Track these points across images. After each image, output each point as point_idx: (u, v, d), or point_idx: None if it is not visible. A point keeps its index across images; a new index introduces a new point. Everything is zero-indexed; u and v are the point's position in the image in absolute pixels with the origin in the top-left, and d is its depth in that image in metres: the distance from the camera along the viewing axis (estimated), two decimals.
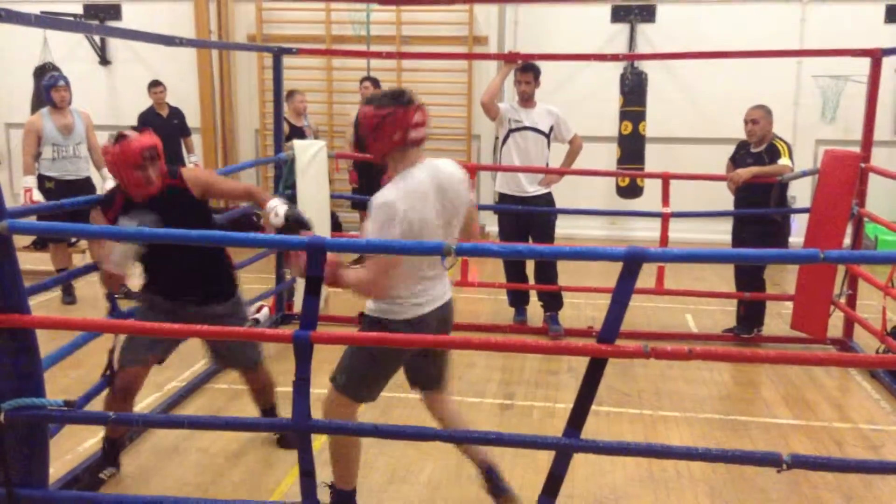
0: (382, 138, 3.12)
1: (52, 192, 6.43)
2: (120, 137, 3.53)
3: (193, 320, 3.63)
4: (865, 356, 4.92)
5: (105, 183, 6.90)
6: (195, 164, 8.74)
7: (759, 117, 5.78)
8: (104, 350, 3.77)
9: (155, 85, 8.75)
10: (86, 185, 6.73)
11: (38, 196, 6.33)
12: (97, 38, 10.58)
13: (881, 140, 7.98)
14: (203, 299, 3.86)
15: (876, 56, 5.60)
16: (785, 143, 5.82)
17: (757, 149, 5.84)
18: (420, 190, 3.07)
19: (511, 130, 6.22)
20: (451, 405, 3.58)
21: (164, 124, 8.68)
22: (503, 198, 6.39)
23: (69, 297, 6.86)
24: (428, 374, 3.50)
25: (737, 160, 5.97)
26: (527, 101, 6.16)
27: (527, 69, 6.13)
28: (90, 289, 6.81)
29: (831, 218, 5.45)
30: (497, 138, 9.94)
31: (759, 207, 5.78)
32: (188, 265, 3.70)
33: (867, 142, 5.71)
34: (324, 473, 3.80)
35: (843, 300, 5.74)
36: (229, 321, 3.86)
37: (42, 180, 6.55)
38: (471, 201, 3.38)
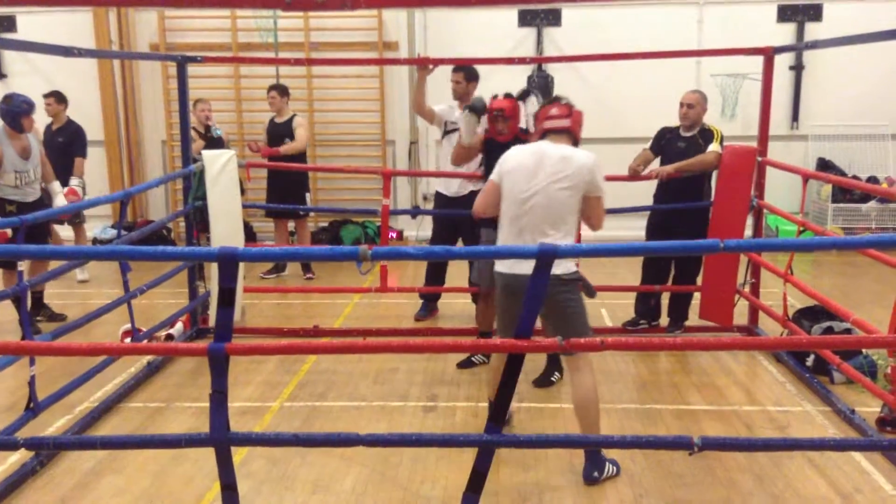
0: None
1: (14, 215, 6.05)
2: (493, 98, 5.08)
3: None
4: (769, 338, 5.16)
5: (56, 198, 6.55)
6: (74, 188, 6.97)
7: (694, 101, 5.85)
8: (7, 374, 3.62)
9: (45, 97, 7.79)
10: (41, 204, 6.43)
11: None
12: None
13: (777, 134, 8.37)
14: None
15: (768, 54, 5.86)
16: (717, 128, 5.90)
17: (688, 133, 5.90)
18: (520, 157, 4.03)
19: (446, 132, 6.29)
20: None
21: (49, 140, 7.69)
22: (439, 197, 6.53)
23: None
24: None
25: (665, 147, 5.98)
26: (462, 101, 6.15)
27: (457, 69, 6.17)
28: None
29: (732, 210, 5.68)
30: (412, 143, 10.05)
31: (693, 200, 5.85)
32: None
33: (763, 136, 5.96)
34: (244, 487, 3.76)
35: (747, 289, 5.98)
36: None
37: (3, 205, 6.23)
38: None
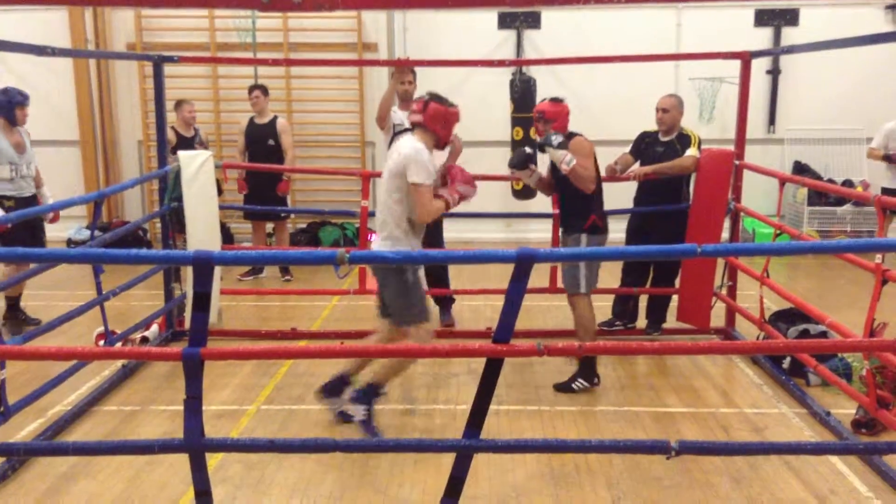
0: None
1: (13, 211, 5.94)
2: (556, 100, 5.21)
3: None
4: (746, 343, 5.19)
5: (45, 202, 6.44)
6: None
7: (669, 106, 5.89)
8: None
9: None
10: (36, 201, 6.38)
11: (1, 213, 5.88)
12: None
13: (754, 138, 8.44)
14: (565, 228, 5.21)
15: (745, 58, 5.89)
16: (695, 133, 5.95)
17: (666, 137, 5.94)
18: None
19: (395, 134, 6.29)
20: None
21: None
22: None
23: None
24: None
25: (644, 151, 6.03)
26: (407, 102, 6.26)
27: (408, 70, 6.28)
28: None
29: (710, 213, 5.71)
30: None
31: (671, 203, 5.90)
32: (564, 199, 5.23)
33: (741, 140, 6.00)
34: (220, 493, 3.71)
35: (724, 291, 6.02)
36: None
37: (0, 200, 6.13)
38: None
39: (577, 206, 5.14)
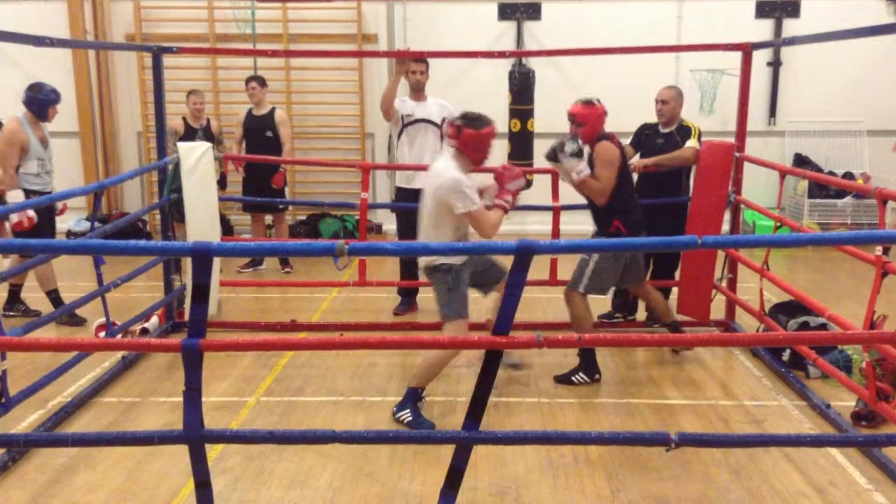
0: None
1: (39, 207, 5.94)
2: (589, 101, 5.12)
3: None
4: (746, 335, 5.19)
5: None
6: None
7: (668, 98, 5.88)
8: None
9: None
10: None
11: (32, 212, 5.82)
12: None
13: (755, 130, 8.41)
14: (598, 228, 5.24)
15: (746, 50, 5.88)
16: (695, 125, 5.94)
17: (666, 129, 5.94)
18: None
19: (405, 125, 6.29)
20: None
21: None
22: (399, 192, 6.45)
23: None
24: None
25: (644, 143, 6.02)
26: (419, 92, 6.27)
27: (420, 61, 6.29)
28: None
29: (710, 206, 5.70)
30: (391, 136, 10.00)
31: (671, 196, 5.89)
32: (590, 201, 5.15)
33: (741, 132, 5.99)
34: (220, 483, 3.72)
35: (724, 284, 6.01)
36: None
37: (27, 195, 6.09)
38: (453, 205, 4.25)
39: (600, 209, 5.11)
